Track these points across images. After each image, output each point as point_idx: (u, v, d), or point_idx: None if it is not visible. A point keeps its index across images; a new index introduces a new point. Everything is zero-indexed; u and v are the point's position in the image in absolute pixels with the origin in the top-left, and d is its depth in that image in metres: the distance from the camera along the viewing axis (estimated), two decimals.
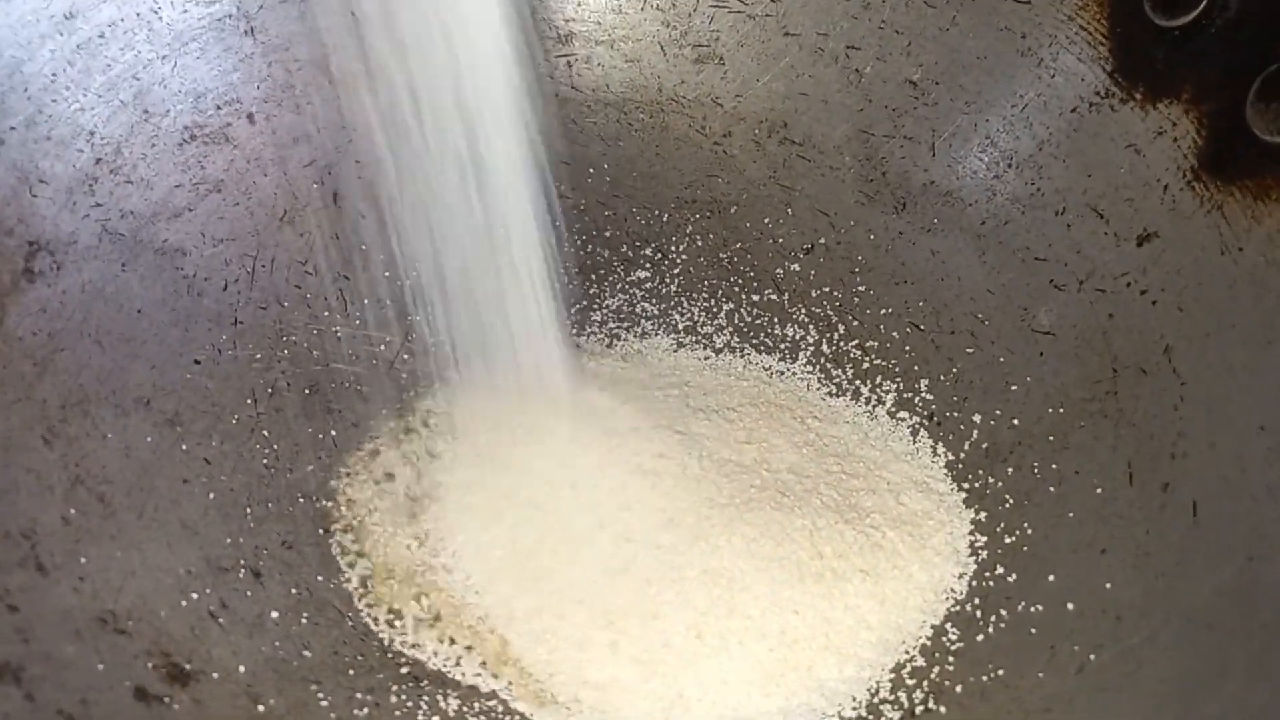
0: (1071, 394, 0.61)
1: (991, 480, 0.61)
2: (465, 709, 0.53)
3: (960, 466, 0.63)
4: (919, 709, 0.53)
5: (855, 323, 0.70)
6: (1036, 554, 0.57)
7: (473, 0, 0.54)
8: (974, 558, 0.59)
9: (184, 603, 0.52)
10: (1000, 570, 0.57)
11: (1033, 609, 0.55)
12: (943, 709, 0.53)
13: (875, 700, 0.54)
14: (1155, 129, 0.61)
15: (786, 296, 0.71)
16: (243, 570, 0.55)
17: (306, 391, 0.64)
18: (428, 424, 0.64)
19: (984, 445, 0.63)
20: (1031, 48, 0.66)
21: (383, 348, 0.67)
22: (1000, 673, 0.53)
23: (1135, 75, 0.62)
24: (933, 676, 0.54)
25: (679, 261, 0.73)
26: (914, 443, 0.64)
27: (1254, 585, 0.49)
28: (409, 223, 0.60)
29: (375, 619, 0.56)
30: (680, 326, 0.71)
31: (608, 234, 0.74)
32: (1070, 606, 0.54)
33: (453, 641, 0.55)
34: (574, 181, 0.75)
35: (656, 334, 0.70)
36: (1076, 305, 0.63)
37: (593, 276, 0.72)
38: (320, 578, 0.57)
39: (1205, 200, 0.58)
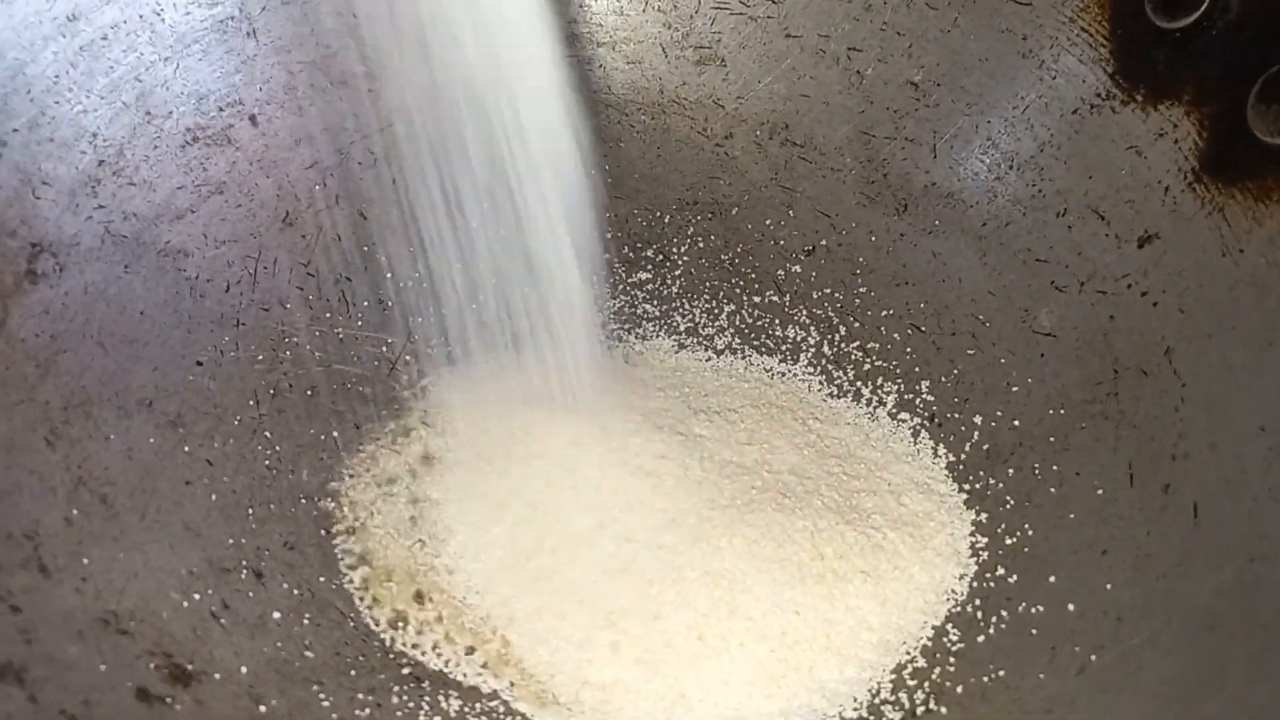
0: (1072, 395, 0.61)
1: (992, 481, 0.61)
2: (466, 709, 0.53)
3: (961, 468, 0.63)
4: (920, 710, 0.53)
5: (856, 324, 0.70)
6: (1037, 555, 0.57)
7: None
8: (975, 559, 0.59)
9: (186, 603, 0.52)
10: (1001, 571, 0.57)
11: (1034, 610, 0.55)
12: (944, 710, 0.53)
13: (876, 701, 0.54)
14: (1156, 131, 0.61)
15: (788, 298, 0.71)
16: (245, 571, 0.55)
17: (308, 393, 0.64)
18: (429, 425, 0.64)
19: (985, 446, 0.63)
20: (1033, 49, 0.66)
21: (384, 349, 0.67)
22: (1001, 674, 0.53)
23: (1136, 77, 0.62)
24: (934, 677, 0.54)
25: (680, 263, 0.73)
26: (915, 444, 0.65)
27: (1255, 586, 0.49)
28: (442, 209, 0.59)
29: (377, 620, 0.56)
30: (682, 328, 0.71)
31: (609, 236, 0.74)
32: (1071, 607, 0.54)
33: (454, 642, 0.56)
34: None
35: (658, 335, 0.70)
36: (1077, 307, 0.63)
37: (594, 278, 0.72)
38: (322, 579, 0.57)
39: (1206, 202, 0.58)
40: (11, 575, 0.48)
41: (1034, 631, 0.54)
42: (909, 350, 0.68)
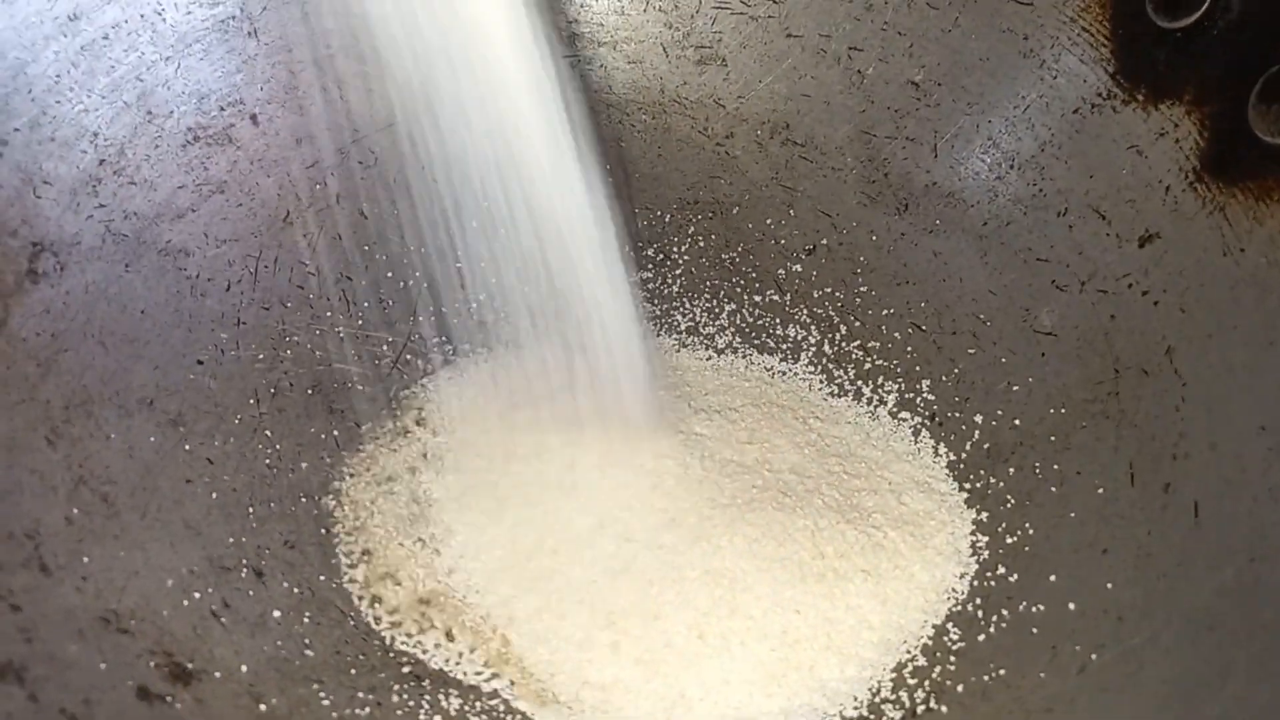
0: (1073, 395, 0.61)
1: (993, 480, 0.61)
2: (467, 708, 0.53)
3: (962, 467, 0.63)
4: (920, 709, 0.53)
5: (857, 323, 0.70)
6: (1038, 554, 0.57)
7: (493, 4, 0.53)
8: (975, 558, 0.59)
9: (186, 602, 0.52)
10: (1002, 570, 0.57)
11: (1034, 609, 0.55)
12: (944, 709, 0.53)
13: (877, 700, 0.54)
14: (1157, 130, 0.61)
15: (788, 297, 0.71)
16: (245, 570, 0.55)
17: (309, 392, 0.64)
18: (429, 424, 0.64)
19: (986, 446, 0.63)
20: (1034, 49, 0.66)
21: (385, 348, 0.67)
22: (1002, 673, 0.53)
23: (1137, 77, 0.62)
24: (934, 676, 0.54)
25: (681, 262, 0.73)
26: (916, 443, 0.65)
27: (1255, 586, 0.49)
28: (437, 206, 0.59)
29: (377, 618, 0.56)
30: (682, 327, 0.71)
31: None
32: (1072, 606, 0.54)
33: (454, 641, 0.56)
34: None
35: (659, 334, 0.70)
36: (1078, 306, 0.63)
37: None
38: (322, 577, 0.57)
39: (1207, 201, 0.58)
40: (12, 574, 0.48)
41: (1035, 630, 0.54)
42: (910, 349, 0.68)
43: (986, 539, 0.59)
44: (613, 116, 0.76)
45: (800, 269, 0.72)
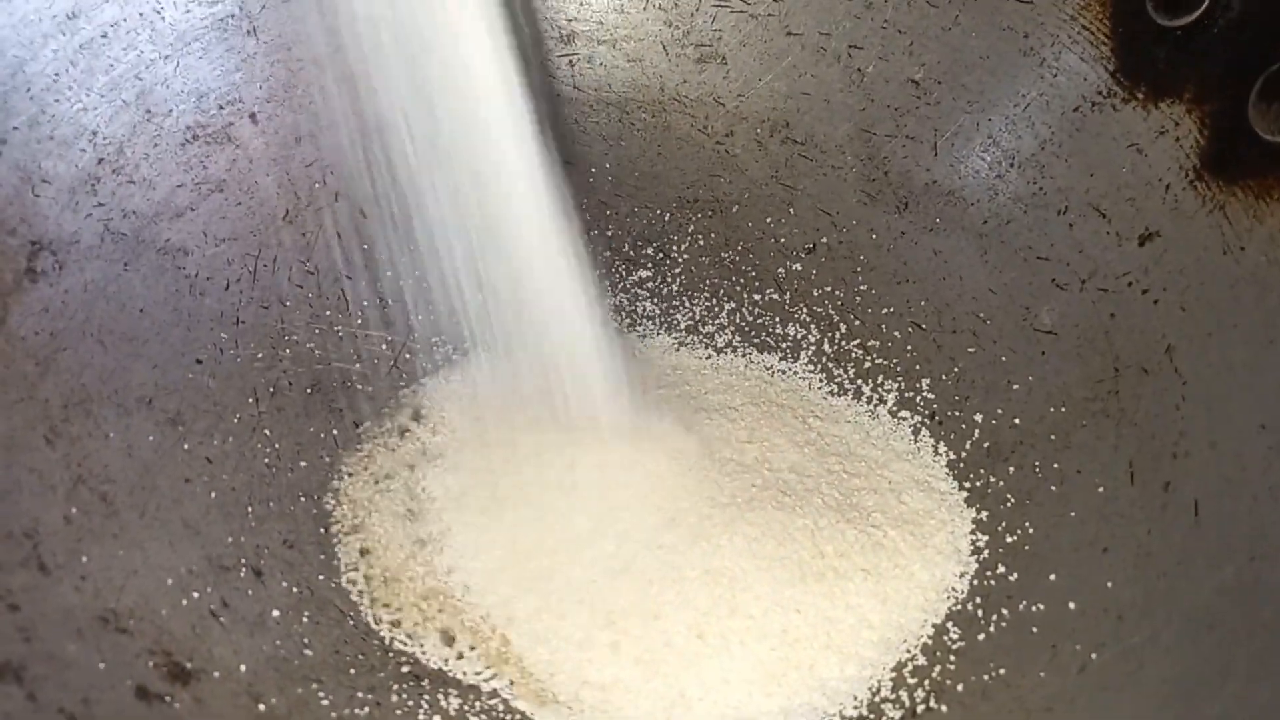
0: (1073, 393, 0.61)
1: (993, 479, 0.61)
2: (466, 708, 0.53)
3: (962, 465, 0.63)
4: (920, 708, 0.53)
5: (857, 322, 0.70)
6: (1038, 553, 0.57)
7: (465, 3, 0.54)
8: (975, 557, 0.58)
9: (185, 602, 0.52)
10: (1002, 569, 0.57)
11: (1034, 608, 0.55)
12: (944, 708, 0.53)
13: (877, 699, 0.54)
14: (1157, 128, 0.61)
15: (788, 296, 0.71)
16: (244, 569, 0.55)
17: (308, 391, 0.64)
18: (428, 424, 0.64)
19: (985, 444, 0.63)
20: (1034, 47, 0.66)
21: (384, 347, 0.67)
22: (1002, 672, 0.53)
23: (1137, 75, 0.62)
24: (934, 675, 0.54)
25: (681, 261, 0.73)
26: (915, 442, 0.64)
27: (1256, 585, 0.49)
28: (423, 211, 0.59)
29: (376, 618, 0.56)
30: (682, 326, 0.71)
31: (609, 233, 0.74)
32: (1072, 606, 0.54)
33: (453, 641, 0.56)
34: (575, 181, 0.75)
35: (658, 333, 0.70)
36: (1078, 305, 0.63)
37: (594, 275, 0.72)
38: (321, 577, 0.57)
39: (1207, 200, 0.58)
40: (11, 573, 0.48)
41: (1035, 630, 0.54)
42: (909, 348, 0.68)
43: (986, 538, 0.59)
44: (612, 115, 0.76)
45: (800, 267, 0.72)
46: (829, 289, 0.71)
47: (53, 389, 0.55)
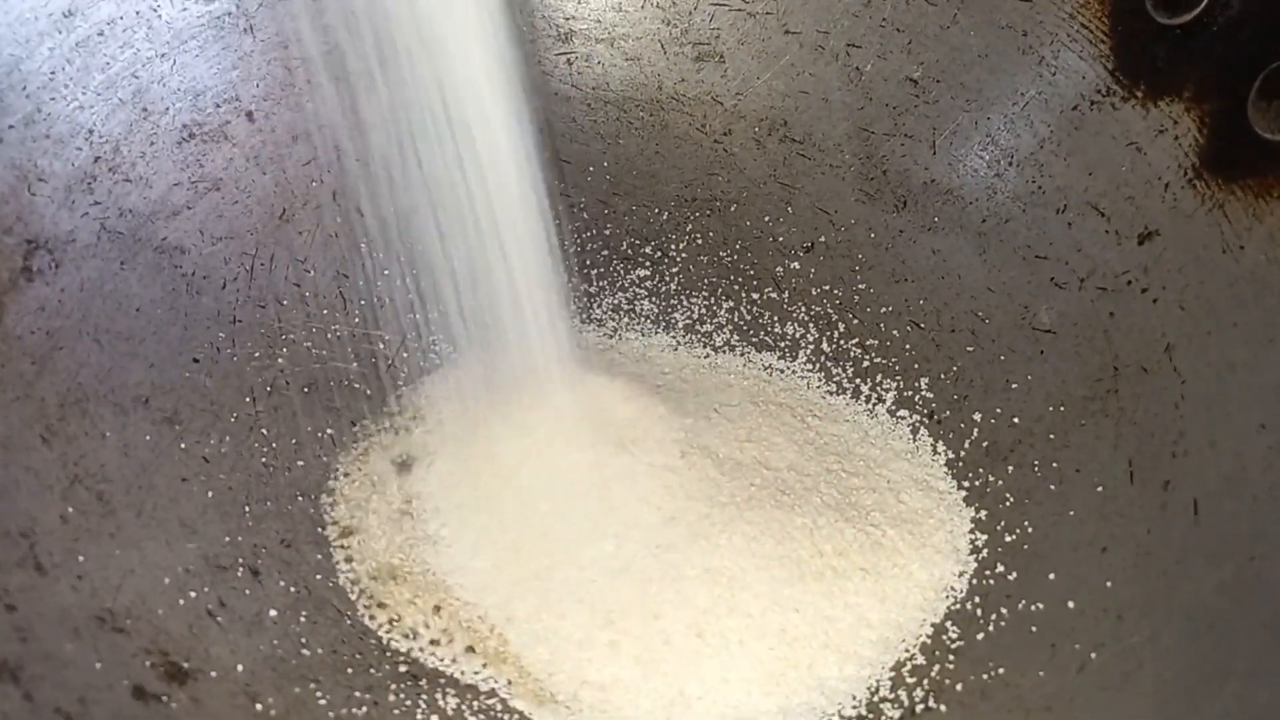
0: (1072, 392, 0.61)
1: (992, 478, 0.61)
2: (464, 707, 0.53)
3: (961, 465, 0.63)
4: (919, 707, 0.53)
5: (855, 321, 0.70)
6: (1037, 552, 0.57)
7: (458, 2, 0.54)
8: (974, 556, 0.58)
9: (182, 601, 0.52)
10: (1001, 568, 0.57)
11: (1033, 607, 0.55)
12: (943, 707, 0.52)
13: (875, 699, 0.54)
14: (1156, 127, 0.61)
15: (787, 295, 0.71)
16: (241, 569, 0.55)
17: (305, 390, 0.64)
18: (426, 423, 0.64)
19: (984, 443, 0.63)
20: (1033, 45, 0.66)
21: (381, 346, 0.67)
22: (1001, 671, 0.53)
23: (1136, 73, 0.62)
24: (933, 675, 0.54)
25: (679, 260, 0.73)
26: (914, 441, 0.64)
27: (1255, 584, 0.48)
28: (415, 212, 0.60)
29: (374, 618, 0.56)
30: (680, 325, 0.71)
31: (607, 232, 0.74)
32: (1071, 605, 0.54)
33: (451, 640, 0.55)
34: (574, 180, 0.75)
35: (656, 332, 0.70)
36: (1077, 303, 0.63)
37: (592, 274, 0.72)
38: (319, 576, 0.57)
39: (1206, 198, 0.58)
40: (7, 573, 0.48)
41: (1034, 629, 0.54)
42: (908, 347, 0.68)
43: (985, 537, 0.59)
44: (610, 113, 0.76)
45: (798, 266, 0.72)
46: (827, 288, 0.71)
47: (49, 388, 0.55)
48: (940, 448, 0.64)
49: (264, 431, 0.61)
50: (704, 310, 0.71)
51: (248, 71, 0.68)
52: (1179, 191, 0.59)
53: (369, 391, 0.65)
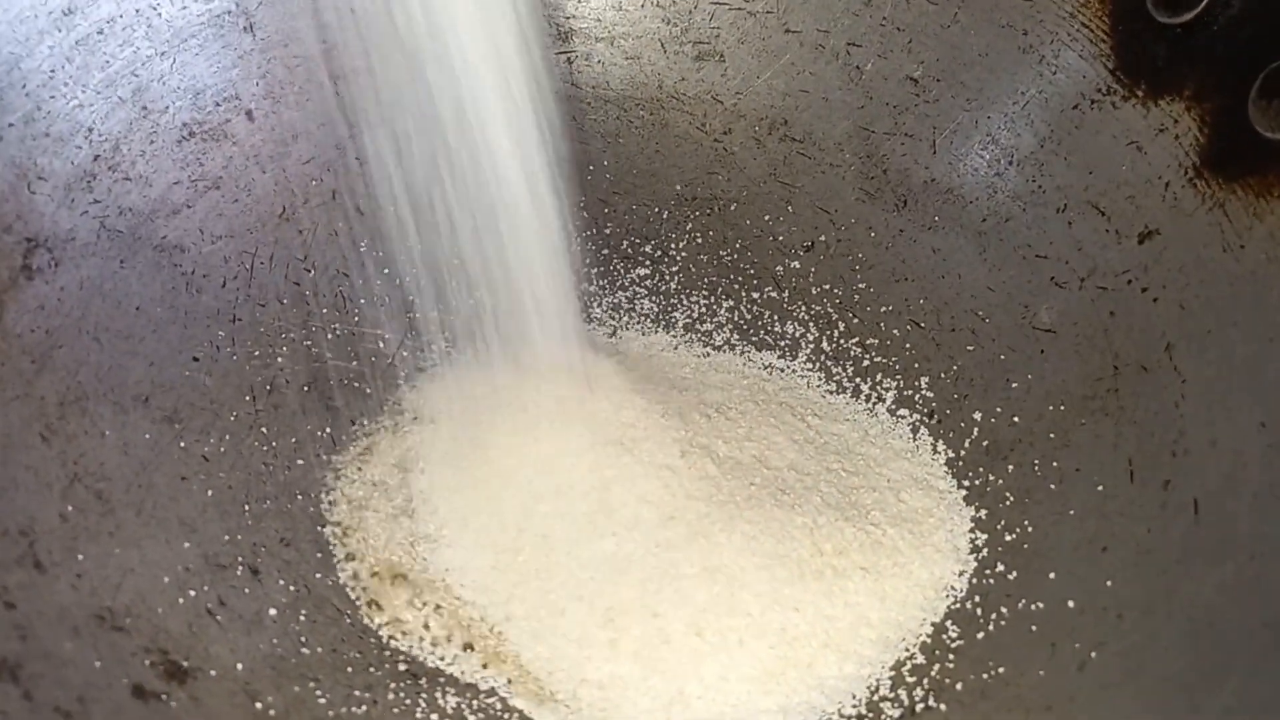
0: (1072, 391, 0.61)
1: (992, 478, 0.61)
2: (464, 706, 0.53)
3: (961, 464, 0.63)
4: (919, 706, 0.53)
5: (856, 320, 0.70)
6: (1037, 551, 0.57)
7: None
8: (974, 555, 0.58)
9: (182, 600, 0.52)
10: (1001, 568, 0.57)
11: (1033, 607, 0.55)
12: (943, 707, 0.52)
13: (875, 698, 0.54)
14: (1157, 126, 0.61)
15: (787, 294, 0.71)
16: (241, 567, 0.55)
17: (305, 389, 0.64)
18: (425, 422, 0.64)
19: (984, 443, 0.63)
20: (1033, 44, 0.66)
21: (381, 345, 0.67)
22: (1001, 670, 0.53)
23: (1137, 72, 0.62)
24: (933, 674, 0.54)
25: (679, 259, 0.73)
26: (914, 440, 0.64)
27: (1255, 583, 0.48)
28: (415, 211, 0.60)
29: (373, 616, 0.56)
30: (680, 324, 0.71)
31: (607, 231, 0.74)
32: (1071, 604, 0.53)
33: (451, 639, 0.55)
34: (574, 179, 0.75)
35: (656, 331, 0.70)
36: (1077, 303, 0.62)
37: (592, 273, 0.72)
38: (318, 575, 0.57)
39: (1207, 198, 0.58)
40: (7, 571, 0.48)
41: (1034, 628, 0.54)
42: (908, 346, 0.68)
43: (985, 536, 0.59)
44: (610, 112, 0.76)
45: (798, 265, 0.72)
46: (827, 287, 0.71)
47: (49, 386, 0.55)
48: (940, 447, 0.64)
49: (264, 430, 0.61)
50: (704, 309, 0.71)
51: (248, 70, 0.68)
52: (1179, 190, 0.59)
53: (369, 391, 0.65)
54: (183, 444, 0.58)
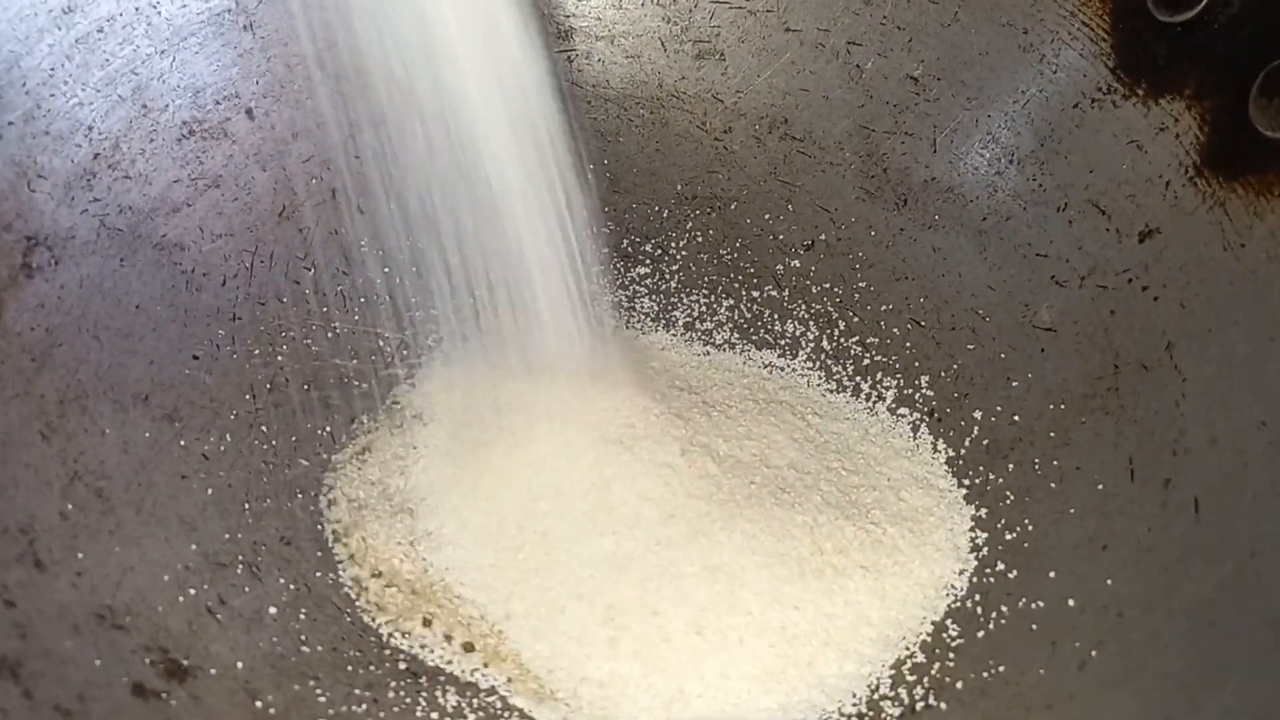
0: (1073, 390, 0.61)
1: (992, 476, 0.61)
2: (464, 705, 0.53)
3: (961, 463, 0.62)
4: (919, 705, 0.53)
5: (856, 319, 0.70)
6: (1037, 550, 0.57)
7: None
8: (975, 554, 0.58)
9: (182, 598, 0.52)
10: (1001, 566, 0.57)
11: (1034, 605, 0.55)
12: (943, 705, 0.52)
13: (876, 697, 0.54)
14: (1157, 125, 0.61)
15: (787, 293, 0.71)
16: (241, 566, 0.55)
17: (305, 387, 0.64)
18: (424, 420, 0.64)
19: (985, 441, 0.63)
20: (1033, 43, 0.66)
21: (381, 343, 0.67)
22: (1001, 669, 0.53)
23: (1137, 71, 0.62)
24: (933, 673, 0.54)
25: (679, 257, 0.73)
26: (914, 439, 0.64)
27: (1256, 581, 0.48)
28: (416, 209, 0.60)
29: (373, 615, 0.56)
30: (680, 322, 0.71)
31: (607, 230, 0.74)
32: (1071, 603, 0.53)
33: (451, 637, 0.55)
34: (574, 177, 0.74)
35: (656, 330, 0.70)
36: (1078, 301, 0.62)
37: (592, 272, 0.72)
38: (318, 573, 0.57)
39: (1207, 196, 0.58)
40: (6, 569, 0.48)
41: (1034, 627, 0.54)
42: (908, 345, 0.68)
43: (986, 535, 0.59)
44: (610, 111, 0.76)
45: (799, 264, 0.72)
46: (828, 286, 0.71)
47: (49, 385, 0.55)
48: (940, 445, 0.64)
49: (264, 429, 0.61)
50: (704, 308, 0.71)
51: (247, 68, 0.68)
52: (1180, 189, 0.59)
53: (368, 389, 0.65)
54: (183, 442, 0.58)
